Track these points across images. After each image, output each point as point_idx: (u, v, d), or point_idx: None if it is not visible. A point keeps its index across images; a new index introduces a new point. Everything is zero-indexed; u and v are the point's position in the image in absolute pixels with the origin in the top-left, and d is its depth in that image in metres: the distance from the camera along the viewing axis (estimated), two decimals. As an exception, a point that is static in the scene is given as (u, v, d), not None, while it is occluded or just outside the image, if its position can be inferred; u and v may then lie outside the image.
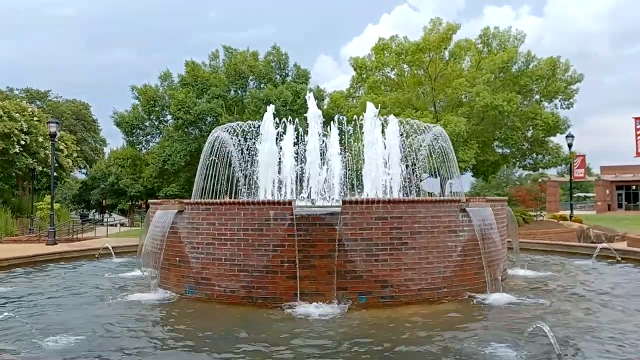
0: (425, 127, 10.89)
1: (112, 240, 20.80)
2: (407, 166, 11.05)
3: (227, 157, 11.07)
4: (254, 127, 10.53)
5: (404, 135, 10.51)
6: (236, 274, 7.62)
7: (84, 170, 57.26)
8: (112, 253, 13.25)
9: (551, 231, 18.82)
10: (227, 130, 10.84)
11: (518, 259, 10.48)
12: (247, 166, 10.73)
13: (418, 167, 11.00)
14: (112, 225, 39.96)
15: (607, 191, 61.12)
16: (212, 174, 11.14)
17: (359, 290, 7.30)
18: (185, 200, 8.42)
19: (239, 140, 10.70)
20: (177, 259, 8.28)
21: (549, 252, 13.09)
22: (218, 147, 10.80)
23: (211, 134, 11.03)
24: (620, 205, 61.11)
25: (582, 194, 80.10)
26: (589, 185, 74.61)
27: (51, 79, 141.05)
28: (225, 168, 11.14)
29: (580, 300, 7.54)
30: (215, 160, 11.02)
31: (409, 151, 10.89)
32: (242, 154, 10.64)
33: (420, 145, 10.82)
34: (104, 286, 8.97)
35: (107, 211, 59.42)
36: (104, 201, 56.52)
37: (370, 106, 10.36)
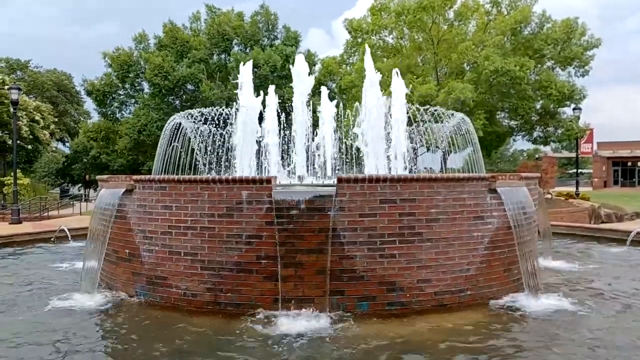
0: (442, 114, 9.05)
1: (82, 219, 19.08)
2: (411, 138, 9.28)
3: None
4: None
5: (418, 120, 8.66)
6: (199, 272, 5.89)
7: (67, 144, 54.73)
8: (69, 236, 11.57)
9: (564, 210, 17.24)
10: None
11: (546, 246, 8.77)
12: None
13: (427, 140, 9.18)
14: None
15: (604, 167, 59.84)
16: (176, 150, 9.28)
17: (359, 294, 5.64)
18: (135, 177, 6.57)
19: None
20: (127, 251, 6.50)
21: (570, 236, 11.58)
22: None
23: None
24: (616, 182, 59.90)
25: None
26: (582, 162, 73.35)
27: (34, 53, 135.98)
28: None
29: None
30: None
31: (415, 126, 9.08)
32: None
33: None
34: (40, 282, 7.20)
35: (92, 186, 57.17)
36: (87, 176, 54.18)
37: (369, 66, 8.46)
